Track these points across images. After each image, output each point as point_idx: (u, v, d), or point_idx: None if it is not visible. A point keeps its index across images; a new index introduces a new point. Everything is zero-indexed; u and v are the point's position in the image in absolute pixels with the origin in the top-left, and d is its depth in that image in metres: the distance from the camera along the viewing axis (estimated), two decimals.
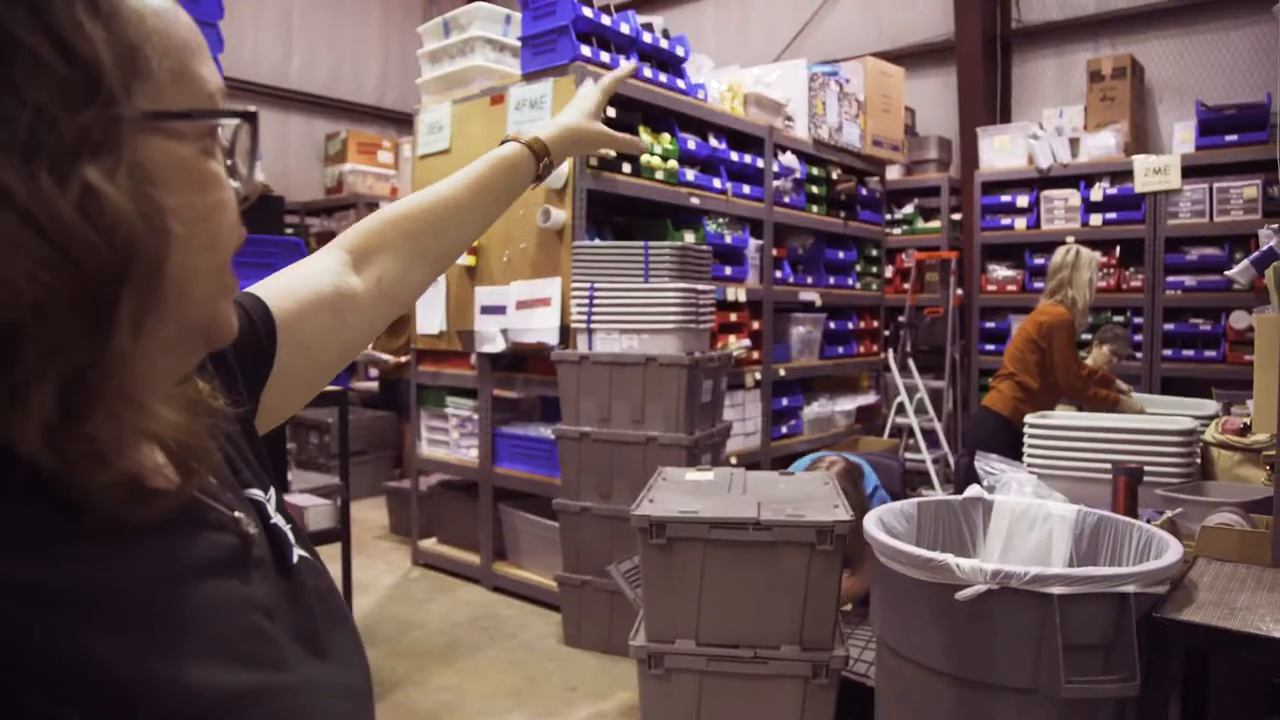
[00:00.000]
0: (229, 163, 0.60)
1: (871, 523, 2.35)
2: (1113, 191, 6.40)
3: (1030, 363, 4.11)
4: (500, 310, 4.65)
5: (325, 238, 9.00)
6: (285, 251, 3.66)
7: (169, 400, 0.58)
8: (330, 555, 3.38)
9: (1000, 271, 7.01)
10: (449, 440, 5.20)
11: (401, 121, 9.84)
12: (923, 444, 6.15)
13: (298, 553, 0.71)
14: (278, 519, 0.71)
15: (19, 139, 0.46)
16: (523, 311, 4.53)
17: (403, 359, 7.35)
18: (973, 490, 2.57)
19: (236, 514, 0.64)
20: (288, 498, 3.54)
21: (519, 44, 4.65)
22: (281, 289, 0.86)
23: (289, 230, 9.09)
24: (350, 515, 6.33)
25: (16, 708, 0.45)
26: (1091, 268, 4.24)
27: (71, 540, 0.50)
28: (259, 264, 3.57)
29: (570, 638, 4.08)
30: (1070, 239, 6.52)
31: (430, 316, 5.12)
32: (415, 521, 5.45)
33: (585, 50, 4.33)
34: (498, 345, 4.66)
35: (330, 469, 6.49)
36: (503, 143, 1.13)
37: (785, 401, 5.62)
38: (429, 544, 5.35)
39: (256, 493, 0.72)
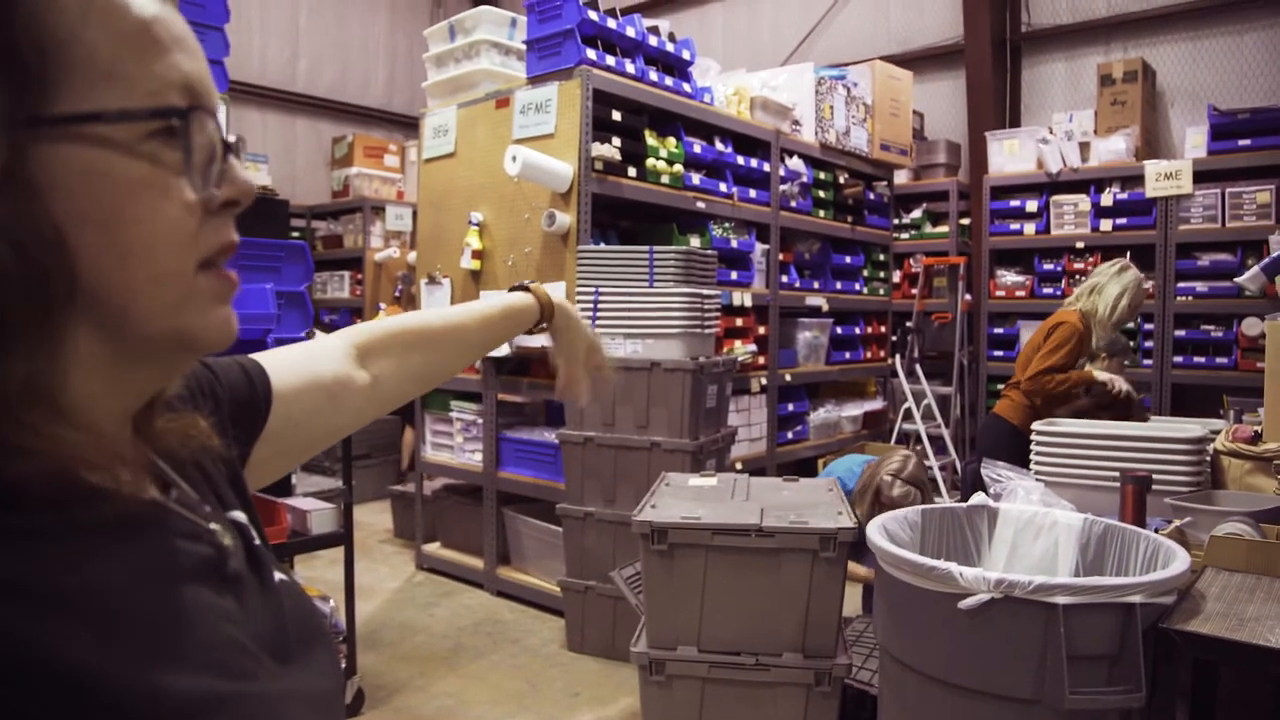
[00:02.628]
0: (202, 162, 0.57)
1: (875, 530, 2.33)
2: (1123, 196, 6.36)
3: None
4: None
5: (331, 241, 9.02)
6: (290, 255, 3.66)
7: (129, 408, 0.59)
8: (333, 559, 3.40)
9: (1009, 277, 6.97)
10: (453, 444, 5.19)
11: (408, 125, 9.86)
12: (930, 450, 6.11)
13: (278, 576, 0.71)
14: (255, 538, 0.71)
15: None
16: None
17: None
18: (978, 498, 2.55)
19: (212, 526, 0.64)
20: (291, 501, 3.53)
21: (524, 48, 4.64)
22: (286, 363, 0.90)
23: (295, 234, 9.11)
24: (354, 519, 6.35)
25: None
26: (1129, 287, 4.00)
27: (38, 540, 0.49)
28: (265, 267, 3.57)
29: (573, 643, 4.06)
30: (1079, 244, 6.50)
31: None
32: (419, 526, 5.44)
33: (590, 53, 4.31)
34: (502, 350, 4.64)
35: (334, 472, 6.49)
36: (517, 288, 1.20)
37: (791, 407, 5.59)
38: (433, 548, 5.33)
39: (240, 515, 0.71)
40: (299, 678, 0.64)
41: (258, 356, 0.88)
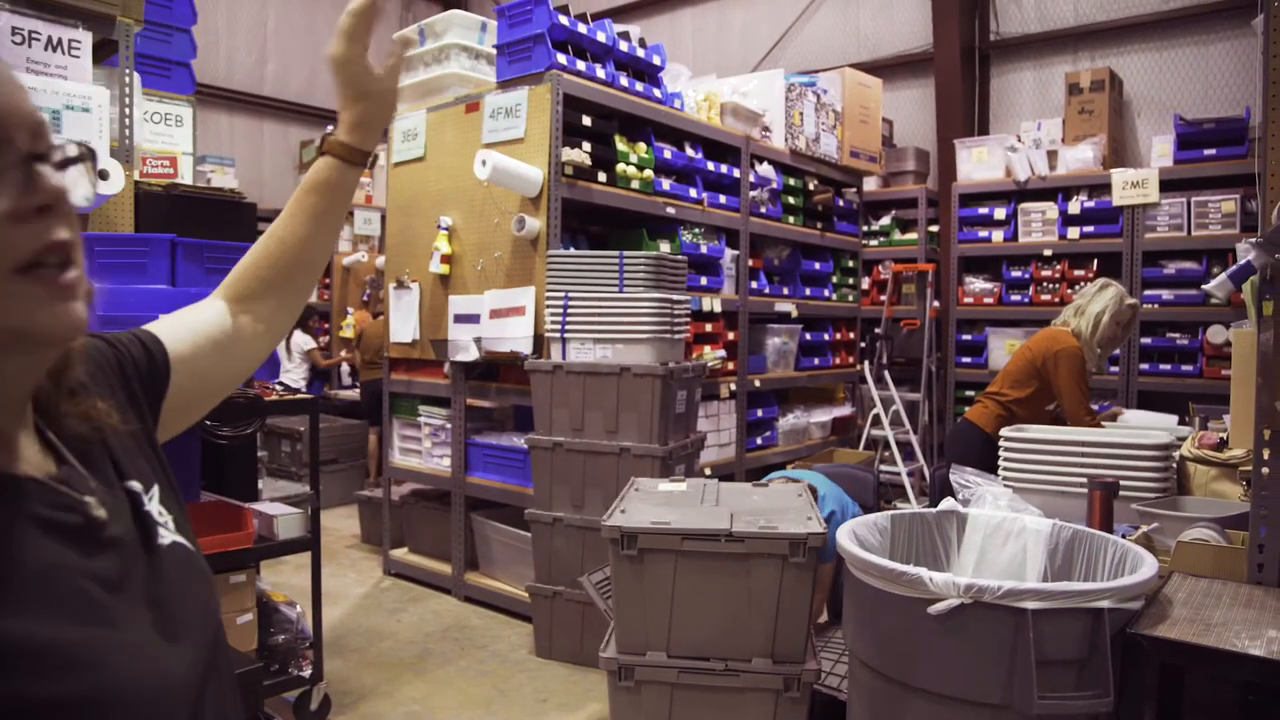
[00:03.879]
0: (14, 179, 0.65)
1: (844, 535, 2.32)
2: (1090, 205, 6.43)
3: (1024, 387, 3.92)
4: (474, 319, 4.60)
5: None
6: None
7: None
8: (300, 564, 3.34)
9: (977, 284, 7.03)
10: (421, 449, 5.14)
11: None
12: (898, 456, 6.14)
13: (171, 538, 0.81)
14: (152, 508, 0.81)
15: None
16: (497, 320, 4.49)
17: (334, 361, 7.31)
18: (947, 503, 2.55)
19: (86, 499, 0.73)
20: (258, 506, 3.47)
21: (494, 52, 4.62)
22: (178, 327, 1.01)
23: None
24: (321, 524, 6.28)
25: None
26: (1109, 303, 3.91)
27: None
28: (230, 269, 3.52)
29: (541, 649, 4.02)
30: (1047, 251, 6.57)
31: (403, 325, 5.07)
32: (387, 531, 5.38)
33: (561, 58, 4.30)
34: (471, 354, 4.61)
35: (301, 477, 6.41)
36: (311, 161, 1.14)
37: (760, 413, 5.60)
38: (400, 554, 5.28)
39: (135, 485, 0.81)
40: (168, 633, 0.73)
41: (150, 326, 0.98)
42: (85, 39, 3.62)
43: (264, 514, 3.39)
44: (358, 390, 7.56)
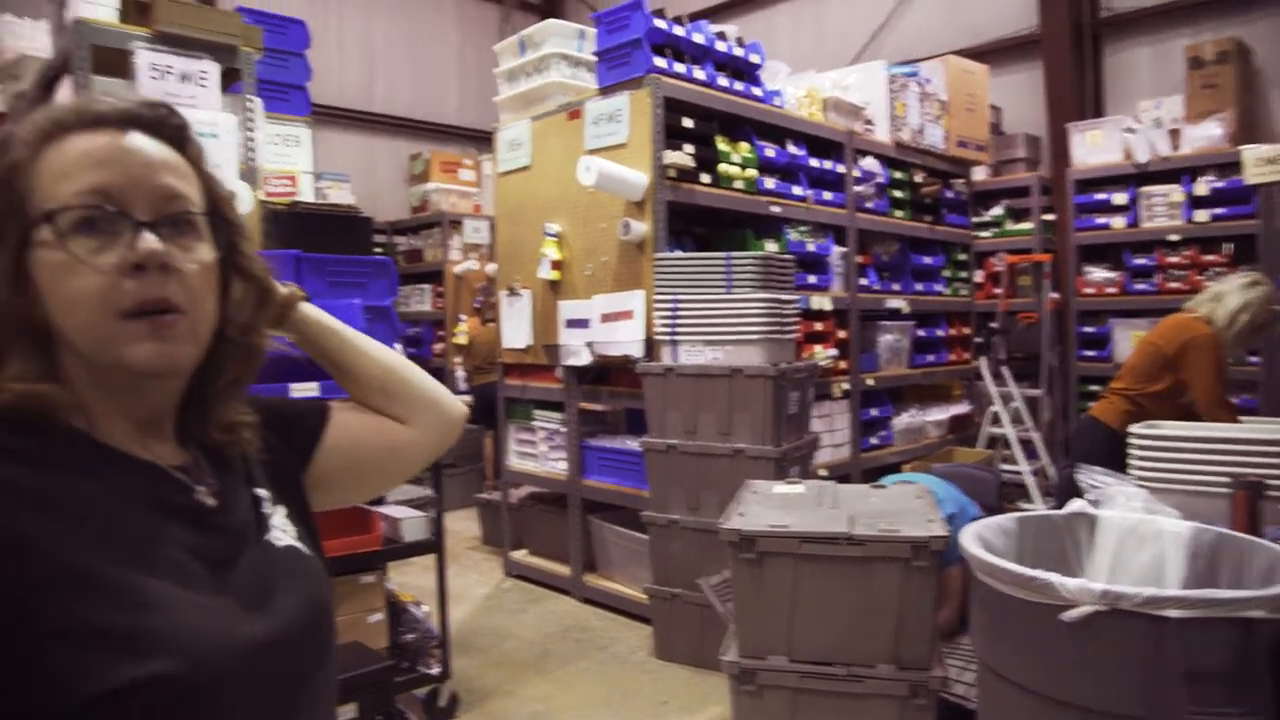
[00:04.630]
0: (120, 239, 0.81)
1: (969, 538, 2.28)
2: (1220, 185, 6.11)
3: (1153, 381, 3.72)
4: (584, 324, 4.67)
5: (412, 255, 9.21)
6: (375, 271, 3.75)
7: (124, 401, 0.86)
8: (425, 565, 3.46)
9: (1098, 273, 6.75)
10: (537, 453, 5.24)
11: (482, 139, 10.00)
12: (1020, 455, 5.94)
13: (288, 543, 0.95)
14: (271, 515, 0.96)
15: None
16: (607, 324, 4.54)
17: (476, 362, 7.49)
18: (1076, 505, 2.47)
19: (197, 488, 0.88)
20: (383, 509, 3.60)
21: (594, 59, 4.68)
22: (350, 414, 1.14)
23: (379, 250, 9.33)
24: (444, 526, 6.47)
25: None
26: (1253, 303, 3.65)
27: (40, 464, 0.77)
28: (353, 283, 3.66)
29: (661, 650, 4.06)
30: (1173, 236, 6.27)
31: (516, 331, 5.18)
32: (506, 533, 5.51)
33: (659, 62, 4.33)
34: (583, 358, 4.68)
35: (424, 481, 6.61)
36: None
37: (874, 412, 5.51)
38: (520, 555, 5.40)
39: (262, 492, 0.97)
40: (257, 611, 0.85)
41: (332, 403, 1.14)
42: (213, 70, 3.82)
43: (390, 517, 3.52)
44: (470, 396, 7.74)
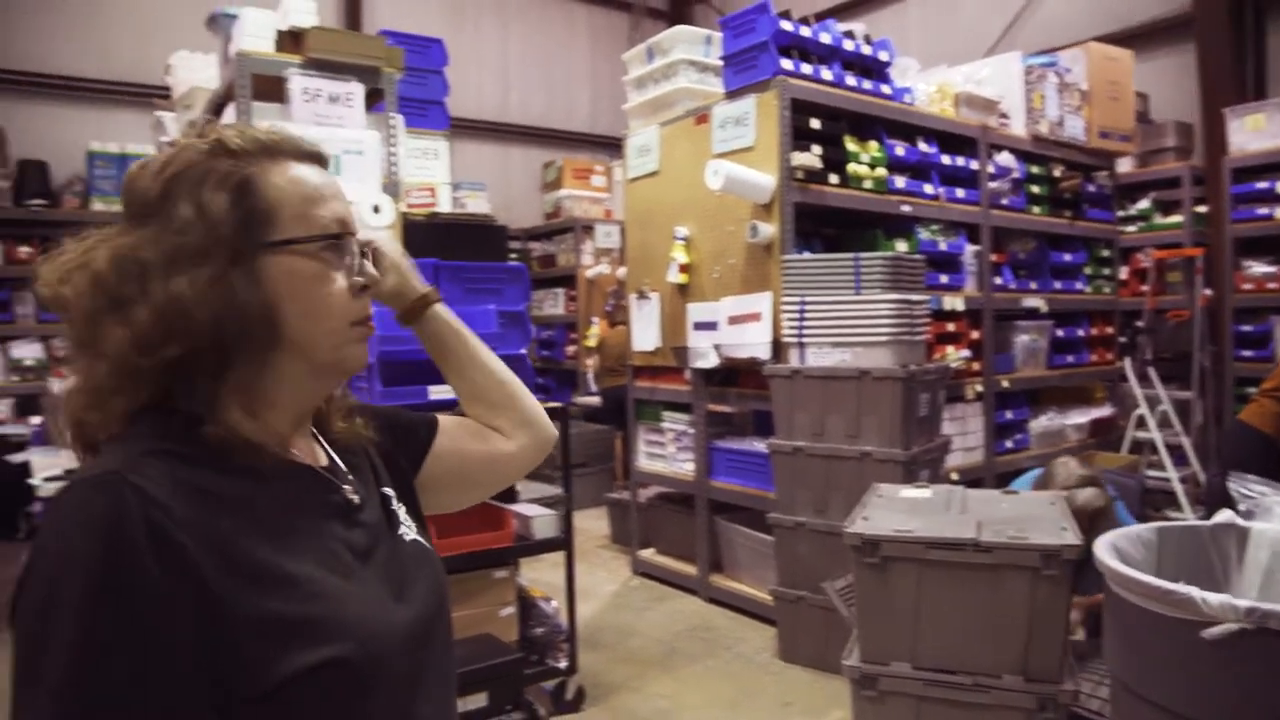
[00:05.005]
0: (349, 263, 0.95)
1: (1103, 548, 2.22)
2: None
3: None
4: (712, 326, 4.71)
5: (546, 260, 9.46)
6: (510, 277, 3.90)
7: (308, 404, 0.98)
8: (555, 562, 3.58)
9: (1258, 268, 6.32)
10: (665, 454, 5.32)
11: (613, 146, 10.18)
12: (1167, 461, 5.63)
13: (412, 536, 1.04)
14: (398, 510, 1.06)
15: (162, 261, 0.85)
16: (734, 327, 4.57)
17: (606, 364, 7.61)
18: (1224, 515, 2.36)
19: (345, 487, 0.98)
20: (515, 507, 3.74)
21: (721, 63, 4.71)
22: (457, 425, 1.24)
23: (513, 256, 9.63)
24: (573, 525, 6.63)
25: (174, 549, 0.75)
26: None
27: (225, 471, 0.85)
28: (487, 289, 3.82)
29: (786, 652, 4.07)
30: None
31: (645, 334, 5.27)
32: (635, 532, 5.61)
33: (786, 64, 4.33)
34: (710, 361, 4.72)
35: (555, 479, 6.79)
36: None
37: (1010, 414, 5.35)
38: (648, 554, 5.49)
39: (389, 491, 1.07)
40: (400, 588, 0.95)
41: (441, 416, 1.23)
42: (358, 90, 4.06)
43: (522, 515, 3.66)
44: (599, 397, 7.90)
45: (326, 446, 1.03)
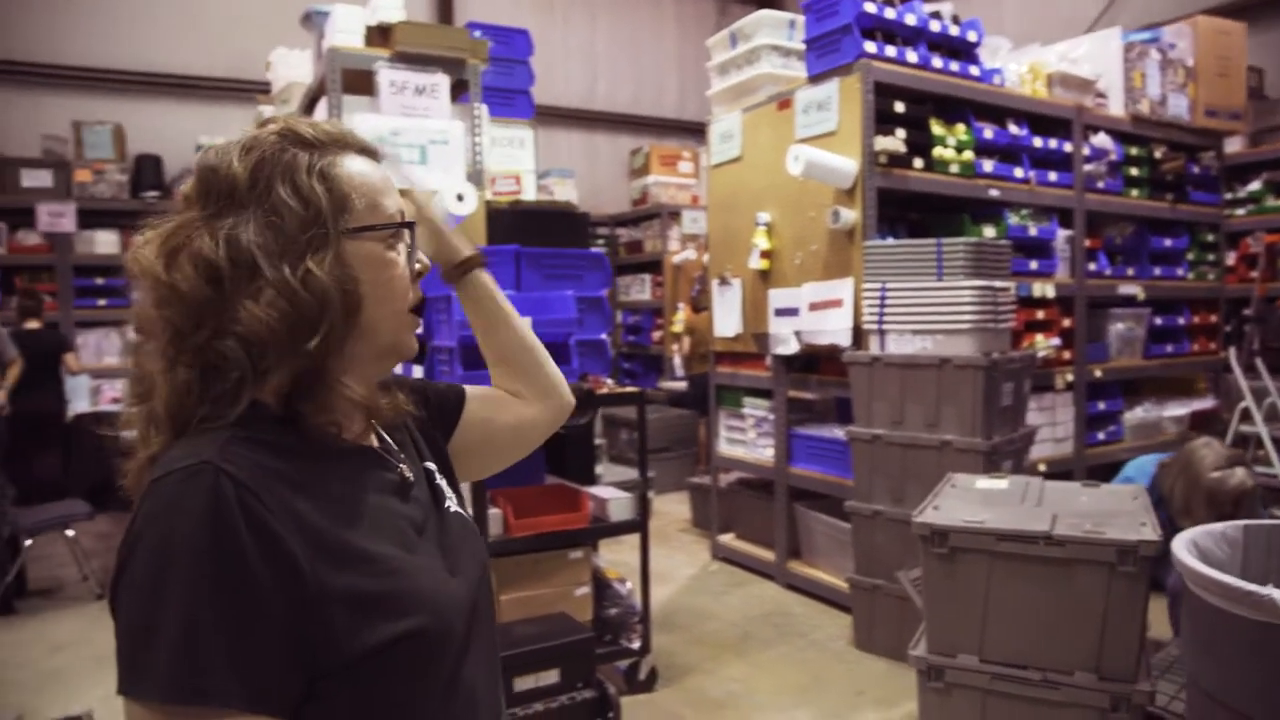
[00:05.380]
0: (408, 251, 1.01)
1: (1181, 545, 2.15)
2: None
3: None
4: (793, 312, 4.69)
5: (633, 247, 9.52)
6: (590, 263, 3.95)
7: (371, 386, 1.00)
8: (634, 544, 3.63)
9: None
10: (746, 440, 5.32)
11: (700, 132, 10.16)
12: (1275, 456, 5.36)
13: (455, 508, 1.09)
14: (441, 483, 1.11)
15: (275, 246, 0.89)
16: (815, 313, 4.55)
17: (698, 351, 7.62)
18: None
19: (400, 465, 1.03)
20: (594, 489, 3.80)
21: (804, 47, 4.67)
22: (483, 393, 1.31)
23: (600, 242, 9.73)
24: (654, 508, 6.69)
25: (269, 533, 0.80)
26: None
27: (300, 455, 0.89)
28: (568, 275, 3.88)
29: (861, 641, 4.04)
30: None
31: (727, 319, 5.28)
32: (714, 517, 5.64)
33: (870, 46, 4.26)
34: (791, 347, 4.71)
35: (633, 463, 6.86)
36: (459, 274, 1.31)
37: (1103, 405, 5.17)
38: (727, 539, 5.51)
39: (431, 465, 1.13)
40: (455, 561, 1.01)
41: (467, 386, 1.30)
42: (443, 82, 4.17)
43: (599, 497, 3.72)
44: (686, 383, 7.93)
45: (377, 427, 1.07)
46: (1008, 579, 2.46)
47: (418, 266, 1.01)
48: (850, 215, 4.31)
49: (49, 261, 6.93)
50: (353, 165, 0.97)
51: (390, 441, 1.07)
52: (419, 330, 1.04)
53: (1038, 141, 4.82)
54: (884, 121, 4.31)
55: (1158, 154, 5.42)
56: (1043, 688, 2.40)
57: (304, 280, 0.88)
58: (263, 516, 0.80)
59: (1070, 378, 4.95)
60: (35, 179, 6.96)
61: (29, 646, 4.26)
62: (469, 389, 1.29)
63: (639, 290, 9.46)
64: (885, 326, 4.07)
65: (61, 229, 6.75)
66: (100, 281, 7.13)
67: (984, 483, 3.04)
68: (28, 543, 4.74)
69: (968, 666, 2.49)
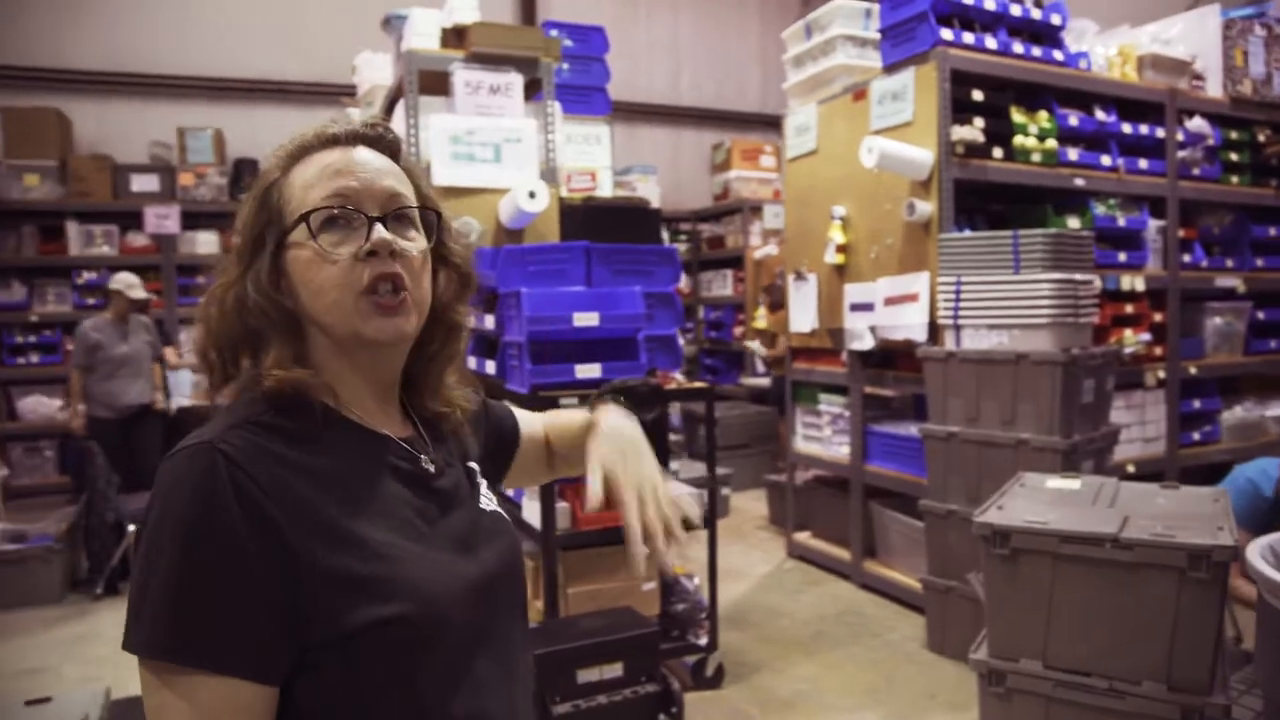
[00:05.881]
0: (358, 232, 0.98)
1: (1256, 553, 2.05)
2: None
3: None
4: (869, 307, 4.62)
5: (714, 242, 9.48)
6: (660, 259, 3.95)
7: (372, 374, 1.03)
8: (705, 541, 3.61)
9: None
10: (822, 437, 5.26)
11: (782, 126, 10.07)
12: None
13: (493, 509, 1.12)
14: (480, 482, 1.15)
15: (234, 256, 0.99)
16: (891, 308, 4.46)
17: (779, 353, 7.55)
18: None
19: (421, 456, 1.05)
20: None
21: (879, 37, 4.57)
22: (530, 422, 1.39)
23: (682, 238, 9.72)
24: (731, 505, 6.66)
25: (258, 509, 0.85)
26: None
27: (307, 440, 0.93)
28: (639, 270, 3.89)
29: (934, 643, 3.96)
30: None
31: (803, 315, 5.22)
32: (790, 515, 5.59)
33: (946, 33, 4.15)
34: (866, 342, 4.64)
35: (717, 459, 6.84)
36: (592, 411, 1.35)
37: (1197, 404, 4.93)
38: (803, 537, 5.46)
39: (474, 465, 1.16)
40: (464, 553, 1.01)
41: (518, 413, 1.39)
42: (517, 81, 4.23)
43: None
44: (768, 379, 7.87)
45: (415, 419, 1.10)
46: (1073, 582, 2.37)
47: (366, 245, 0.96)
48: (926, 207, 4.21)
49: (155, 261, 7.29)
50: (299, 175, 1.00)
51: (425, 436, 1.09)
52: (397, 307, 0.98)
53: (1127, 128, 4.62)
54: (962, 110, 4.20)
55: (1261, 137, 5.14)
56: (1109, 697, 2.31)
57: (242, 288, 0.97)
58: (253, 493, 0.85)
59: (1162, 375, 4.73)
60: (143, 183, 7.33)
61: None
62: (523, 431, 1.38)
63: (720, 286, 9.41)
64: (960, 321, 3.97)
65: (166, 230, 7.08)
66: (201, 280, 7.34)
67: (1055, 482, 2.93)
68: (131, 528, 4.99)
69: (1030, 672, 2.41)
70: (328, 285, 0.96)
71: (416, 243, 1.01)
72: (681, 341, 3.96)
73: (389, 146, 1.06)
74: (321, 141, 1.02)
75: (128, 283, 5.57)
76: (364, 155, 1.01)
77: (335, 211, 0.96)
